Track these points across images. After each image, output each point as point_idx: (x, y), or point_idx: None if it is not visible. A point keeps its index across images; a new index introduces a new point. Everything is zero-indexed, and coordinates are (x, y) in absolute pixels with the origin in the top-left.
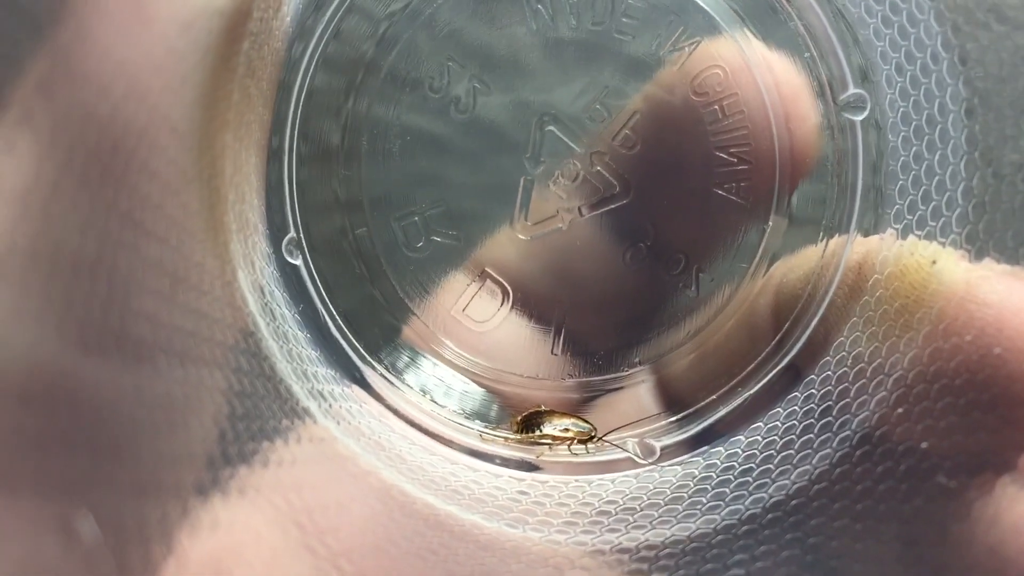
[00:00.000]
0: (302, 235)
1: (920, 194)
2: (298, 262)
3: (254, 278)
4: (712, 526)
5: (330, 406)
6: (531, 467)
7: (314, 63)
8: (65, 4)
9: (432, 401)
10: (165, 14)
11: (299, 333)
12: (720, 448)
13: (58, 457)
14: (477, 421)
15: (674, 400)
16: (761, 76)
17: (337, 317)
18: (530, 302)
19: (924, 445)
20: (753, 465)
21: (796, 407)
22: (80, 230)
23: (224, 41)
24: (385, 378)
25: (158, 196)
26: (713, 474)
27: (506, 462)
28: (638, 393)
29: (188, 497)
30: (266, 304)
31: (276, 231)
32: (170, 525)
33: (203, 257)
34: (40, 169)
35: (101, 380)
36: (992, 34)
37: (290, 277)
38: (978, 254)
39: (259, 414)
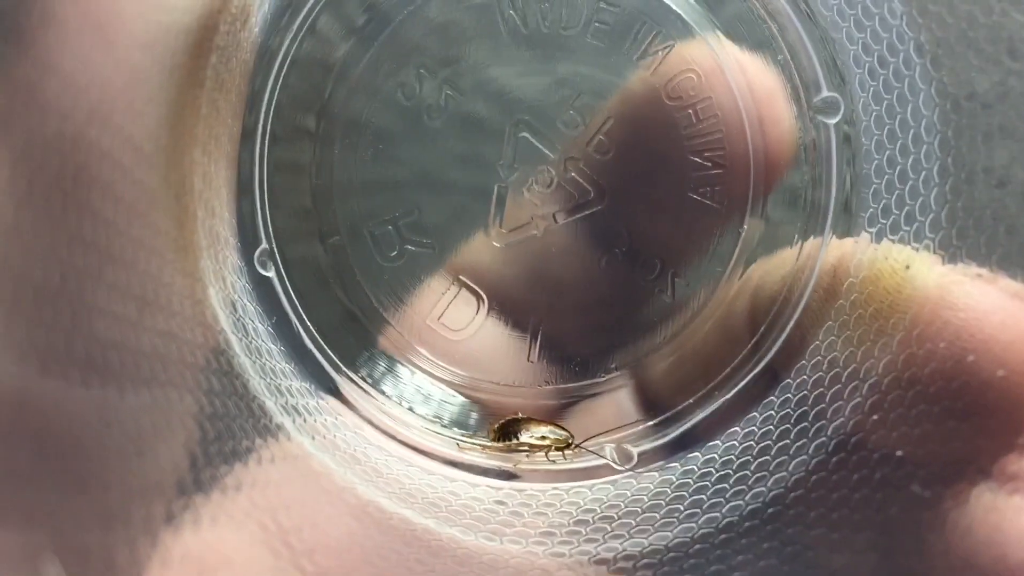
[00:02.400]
0: (275, 247)
1: (894, 198)
2: (271, 274)
3: (225, 294)
4: (690, 535)
5: (304, 420)
6: (509, 475)
7: (283, 73)
8: (24, 35)
9: (410, 411)
10: (127, 37)
11: (272, 347)
12: (697, 454)
13: (21, 490)
14: (456, 430)
15: (652, 405)
16: (735, 80)
17: (311, 328)
18: (506, 309)
19: (899, 453)
20: (730, 471)
21: (772, 412)
22: (42, 262)
23: (190, 58)
24: (361, 389)
25: (124, 220)
26: (691, 480)
27: (484, 471)
28: (616, 398)
29: (158, 529)
30: (238, 319)
31: (248, 244)
32: (139, 560)
33: (172, 277)
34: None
35: (65, 412)
36: (964, 40)
37: (263, 290)
38: (951, 260)
39: (231, 435)
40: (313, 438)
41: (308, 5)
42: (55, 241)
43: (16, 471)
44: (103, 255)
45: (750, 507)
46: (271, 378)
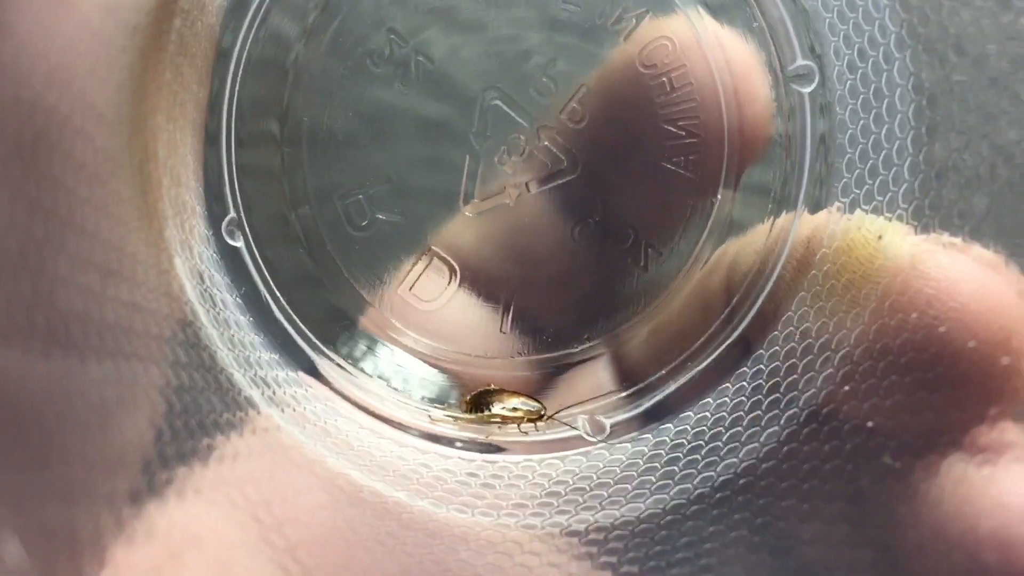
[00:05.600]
0: (243, 215)
1: (867, 168)
2: (239, 244)
3: (192, 264)
4: (661, 506)
5: (274, 393)
6: (481, 447)
7: (251, 38)
8: None
9: (382, 382)
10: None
11: (241, 318)
12: (670, 425)
13: None
14: (429, 401)
15: (626, 376)
16: (710, 48)
17: (281, 299)
18: (478, 280)
19: (870, 424)
20: (702, 443)
21: (745, 383)
22: (0, 232)
23: (152, 20)
24: (331, 359)
25: (85, 188)
26: (663, 452)
27: (455, 443)
28: (590, 369)
29: (122, 505)
30: (205, 290)
31: (215, 213)
32: (103, 537)
33: (136, 246)
34: None
35: (25, 385)
36: (940, 8)
37: (231, 260)
38: (923, 230)
39: (198, 408)
40: (282, 410)
41: None
42: (14, 211)
43: None
44: (64, 224)
45: (722, 478)
46: (239, 350)
